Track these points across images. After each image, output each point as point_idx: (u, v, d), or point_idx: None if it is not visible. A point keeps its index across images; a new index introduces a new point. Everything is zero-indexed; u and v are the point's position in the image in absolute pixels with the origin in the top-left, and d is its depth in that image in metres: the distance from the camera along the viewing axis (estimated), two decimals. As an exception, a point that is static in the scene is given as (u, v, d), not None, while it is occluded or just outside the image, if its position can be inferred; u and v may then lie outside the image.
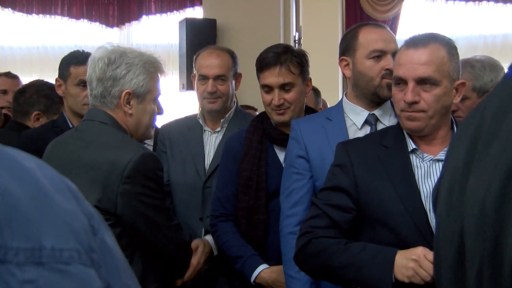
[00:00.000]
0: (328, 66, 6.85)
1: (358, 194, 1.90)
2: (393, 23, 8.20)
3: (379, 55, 2.23)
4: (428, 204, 1.84)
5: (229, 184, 2.63)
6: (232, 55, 2.86)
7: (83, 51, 2.99)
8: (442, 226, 1.04)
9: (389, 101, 2.31)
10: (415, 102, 1.87)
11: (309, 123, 2.39)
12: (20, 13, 7.99)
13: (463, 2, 8.04)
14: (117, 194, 1.91)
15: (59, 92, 2.96)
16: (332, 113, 2.38)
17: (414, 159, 1.92)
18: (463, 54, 3.87)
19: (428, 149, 1.93)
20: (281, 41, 4.38)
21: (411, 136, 1.94)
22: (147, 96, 2.12)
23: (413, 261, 1.69)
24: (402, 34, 8.25)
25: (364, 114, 2.29)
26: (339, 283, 1.95)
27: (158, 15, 7.97)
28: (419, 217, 1.83)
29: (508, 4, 7.74)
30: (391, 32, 2.39)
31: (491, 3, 7.95)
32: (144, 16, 8.02)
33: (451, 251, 0.97)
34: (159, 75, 2.19)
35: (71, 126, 2.82)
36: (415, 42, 1.94)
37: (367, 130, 2.28)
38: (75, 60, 2.87)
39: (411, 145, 1.92)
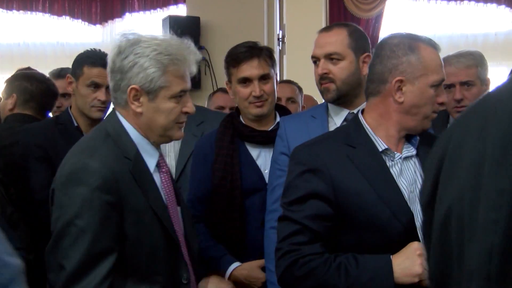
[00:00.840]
0: (311, 64, 6.90)
1: (337, 198, 1.83)
2: (376, 22, 8.25)
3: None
4: (411, 205, 1.85)
5: (200, 186, 2.66)
6: None
7: (99, 50, 2.92)
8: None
9: None
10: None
11: (294, 121, 2.45)
12: (0, 9, 7.90)
13: (445, 2, 8.12)
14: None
15: (69, 89, 2.97)
16: (317, 111, 2.42)
17: (386, 159, 1.90)
18: (445, 53, 3.94)
19: (394, 148, 1.93)
20: (265, 39, 4.44)
21: (382, 137, 1.92)
22: (160, 92, 1.86)
23: (419, 256, 1.69)
24: (386, 33, 8.35)
25: (344, 113, 2.32)
26: None
27: (141, 12, 7.86)
28: (406, 219, 1.82)
29: (489, 4, 7.86)
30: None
31: (472, 2, 8.05)
32: (127, 14, 7.93)
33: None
34: (181, 68, 1.92)
35: (75, 124, 2.85)
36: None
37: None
38: (89, 60, 2.83)
39: (382, 145, 1.90)
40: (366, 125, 1.91)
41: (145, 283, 1.82)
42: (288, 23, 7.40)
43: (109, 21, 8.00)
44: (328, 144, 1.94)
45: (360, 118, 1.94)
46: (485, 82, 2.92)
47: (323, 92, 2.35)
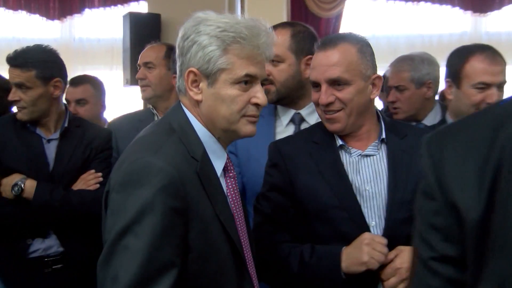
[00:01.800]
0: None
1: (294, 190, 1.91)
2: (336, 21, 8.33)
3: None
4: (360, 198, 1.89)
5: None
6: None
7: (23, 48, 2.68)
8: None
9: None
10: (330, 103, 1.91)
11: None
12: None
13: (403, 2, 8.26)
14: None
15: None
16: (265, 111, 2.36)
17: (343, 154, 1.95)
18: (402, 52, 4.06)
19: (356, 144, 1.97)
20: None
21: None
22: (220, 76, 1.57)
23: (367, 245, 1.74)
24: (347, 29, 8.46)
25: (290, 113, 2.32)
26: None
27: (101, 8, 7.83)
28: (353, 211, 1.86)
29: (444, 6, 8.03)
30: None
31: (429, 4, 8.21)
32: (86, 9, 7.87)
33: None
34: (246, 47, 1.60)
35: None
36: (325, 44, 1.95)
37: (291, 128, 2.31)
38: (7, 60, 2.66)
39: (338, 141, 1.95)
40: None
41: None
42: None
43: (68, 17, 7.90)
44: (296, 140, 2.00)
45: None
46: (425, 85, 3.05)
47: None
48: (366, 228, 1.84)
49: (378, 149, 1.97)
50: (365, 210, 1.88)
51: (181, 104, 1.67)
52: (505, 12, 7.92)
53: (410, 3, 8.23)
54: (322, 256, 1.79)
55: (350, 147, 1.95)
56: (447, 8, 8.14)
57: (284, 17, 8.39)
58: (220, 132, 1.66)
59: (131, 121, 3.05)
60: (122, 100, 6.18)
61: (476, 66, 2.16)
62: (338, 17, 8.37)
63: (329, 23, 8.36)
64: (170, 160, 1.50)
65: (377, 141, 1.98)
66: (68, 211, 2.60)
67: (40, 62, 2.61)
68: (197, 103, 1.63)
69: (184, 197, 1.47)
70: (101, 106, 3.74)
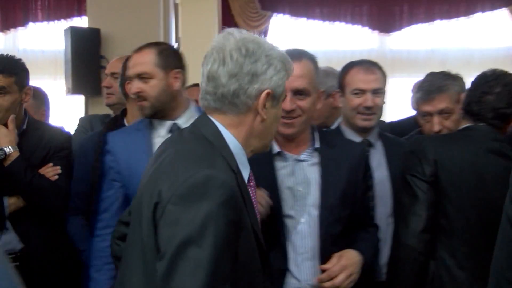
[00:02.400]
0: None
1: None
2: (262, 36, 8.37)
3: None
4: (293, 197, 1.92)
5: (80, 183, 2.58)
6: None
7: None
8: None
9: (192, 108, 2.29)
10: (292, 110, 1.89)
11: (120, 135, 2.37)
12: None
13: (321, 21, 8.45)
14: None
15: None
16: (141, 124, 2.32)
17: (278, 160, 1.95)
18: (320, 65, 4.03)
19: (292, 150, 1.97)
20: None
21: (277, 139, 1.95)
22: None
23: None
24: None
25: (167, 124, 2.24)
26: None
27: (45, 22, 7.60)
28: (277, 209, 1.88)
29: (355, 25, 8.22)
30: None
31: (343, 23, 8.44)
32: (30, 23, 7.61)
33: None
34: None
35: None
36: (292, 58, 1.85)
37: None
38: None
39: (275, 149, 1.95)
40: None
41: None
42: (183, 36, 7.38)
43: (12, 29, 7.61)
44: None
45: None
46: (331, 95, 2.97)
47: (140, 109, 2.26)
48: (282, 224, 1.89)
49: (311, 156, 1.98)
50: (297, 208, 1.91)
51: (211, 117, 1.52)
52: (404, 32, 8.30)
53: (327, 22, 8.42)
54: None
55: (286, 152, 1.95)
56: (358, 27, 8.38)
57: (216, 32, 8.40)
58: (259, 147, 1.60)
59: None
60: (64, 107, 6.07)
61: (353, 76, 2.30)
62: (265, 32, 8.54)
63: None
64: (226, 173, 1.41)
65: (310, 149, 1.99)
66: (35, 189, 2.44)
67: (20, 70, 2.52)
68: (261, 120, 1.51)
69: (237, 209, 1.38)
70: (41, 115, 3.49)
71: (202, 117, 1.53)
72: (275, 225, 1.88)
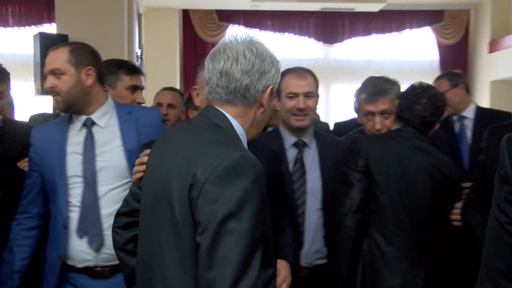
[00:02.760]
0: (166, 79, 6.92)
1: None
2: (219, 46, 8.46)
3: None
4: None
5: None
6: None
7: None
8: None
9: (110, 102, 2.22)
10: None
11: (43, 129, 2.34)
12: None
13: (272, 32, 8.53)
14: None
15: None
16: (61, 120, 2.27)
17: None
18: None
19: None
20: (125, 56, 4.33)
21: None
22: (278, 93, 1.68)
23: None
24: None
25: (82, 118, 2.18)
26: None
27: (16, 28, 7.39)
28: None
29: (303, 36, 8.35)
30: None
31: (291, 34, 8.52)
32: (1, 28, 7.40)
33: None
34: None
35: None
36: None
37: (84, 132, 2.18)
38: None
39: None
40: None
41: (270, 269, 1.56)
42: (146, 43, 7.33)
43: (-18, 34, 7.41)
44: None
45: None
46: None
47: (55, 104, 2.24)
48: None
49: None
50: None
51: (218, 108, 1.52)
52: (345, 44, 8.46)
53: (277, 33, 8.50)
54: None
55: None
56: (305, 38, 8.49)
57: (177, 41, 8.39)
58: (255, 134, 1.62)
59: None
60: (34, 107, 5.89)
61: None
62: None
63: (214, 46, 8.36)
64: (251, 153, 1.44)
65: None
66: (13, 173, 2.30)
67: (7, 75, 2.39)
68: (262, 112, 1.56)
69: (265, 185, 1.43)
70: (7, 114, 3.39)
71: (211, 108, 1.53)
72: None
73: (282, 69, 2.41)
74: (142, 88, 2.64)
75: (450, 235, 2.31)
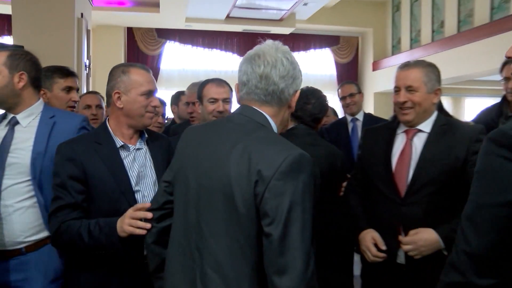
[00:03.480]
0: (105, 84, 6.75)
1: (86, 178, 1.68)
2: (158, 58, 8.43)
3: None
4: (137, 179, 1.74)
5: None
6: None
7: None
8: None
9: (38, 105, 2.03)
10: None
11: None
12: None
13: (202, 48, 8.56)
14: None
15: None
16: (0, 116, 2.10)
17: (122, 151, 1.76)
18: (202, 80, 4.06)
19: (130, 142, 1.78)
20: (74, 65, 4.23)
21: (123, 134, 1.78)
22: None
23: (126, 217, 1.56)
24: (165, 65, 8.52)
25: (9, 116, 2.03)
26: (88, 252, 1.69)
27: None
28: (128, 194, 1.70)
29: (228, 52, 8.44)
30: None
31: (218, 50, 8.57)
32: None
33: None
34: None
35: None
36: None
37: (6, 128, 1.99)
38: None
39: (119, 143, 1.76)
40: (109, 127, 1.78)
41: None
42: (96, 55, 7.16)
43: None
44: (82, 141, 1.75)
45: (106, 123, 1.80)
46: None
47: None
48: (135, 202, 1.70)
49: (142, 143, 1.82)
50: (136, 188, 1.73)
51: (259, 110, 1.40)
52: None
53: (207, 49, 8.55)
54: (103, 226, 1.61)
55: (129, 145, 1.76)
56: (229, 54, 8.59)
57: (122, 54, 8.23)
58: (282, 131, 1.52)
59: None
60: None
61: (208, 89, 2.25)
62: (160, 55, 8.48)
63: (154, 59, 8.43)
64: None
65: (141, 140, 1.82)
66: None
67: None
68: (288, 112, 1.48)
69: None
70: None
71: (249, 108, 1.41)
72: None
73: (208, 78, 2.37)
74: (76, 88, 2.51)
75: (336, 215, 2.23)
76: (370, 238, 1.82)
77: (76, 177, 1.65)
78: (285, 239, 1.22)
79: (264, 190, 1.25)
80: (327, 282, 2.10)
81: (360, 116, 3.61)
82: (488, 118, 2.51)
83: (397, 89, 1.85)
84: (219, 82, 2.31)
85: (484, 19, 6.21)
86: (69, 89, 2.49)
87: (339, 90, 3.73)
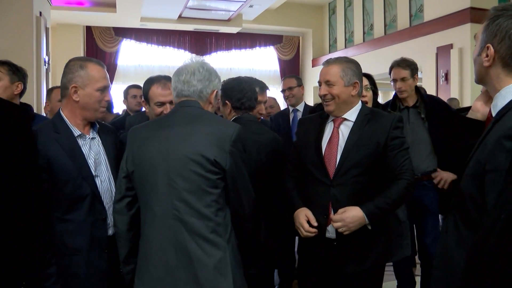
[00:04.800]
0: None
1: (50, 167, 1.61)
2: (115, 54, 8.22)
3: None
4: (96, 166, 1.70)
5: None
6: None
7: None
8: None
9: None
10: None
11: None
12: None
13: (156, 46, 8.41)
14: (227, 153, 1.51)
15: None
16: None
17: (79, 140, 1.70)
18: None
19: (84, 132, 1.72)
20: (34, 61, 4.04)
21: (77, 125, 1.72)
22: (218, 94, 1.70)
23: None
24: (122, 61, 8.29)
25: None
26: None
27: None
28: (89, 179, 1.66)
29: (180, 50, 8.36)
30: None
31: (172, 48, 8.48)
32: None
33: None
34: None
35: None
36: None
37: None
38: None
39: (76, 132, 1.70)
40: (65, 118, 1.72)
41: None
42: (56, 52, 6.84)
43: None
44: (42, 132, 1.67)
45: (61, 114, 1.73)
46: None
47: None
48: (96, 186, 1.67)
49: (94, 134, 1.77)
50: (95, 173, 1.70)
51: (193, 101, 1.63)
52: (212, 56, 8.65)
53: (161, 47, 8.40)
54: None
55: (85, 134, 1.72)
56: (181, 51, 8.51)
57: (81, 51, 7.93)
58: None
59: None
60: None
61: (154, 91, 2.00)
62: (117, 52, 8.25)
63: (111, 55, 8.21)
64: None
65: (93, 130, 1.78)
66: None
67: None
68: (211, 106, 1.68)
69: None
70: None
71: (187, 100, 1.62)
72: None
73: (162, 73, 2.12)
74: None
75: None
76: (304, 216, 1.82)
77: (41, 166, 1.59)
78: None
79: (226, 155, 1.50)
80: (272, 255, 2.15)
81: (300, 107, 3.61)
82: (386, 110, 2.58)
83: (319, 83, 1.90)
84: (164, 84, 2.03)
85: (405, 24, 6.52)
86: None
87: (281, 83, 3.74)
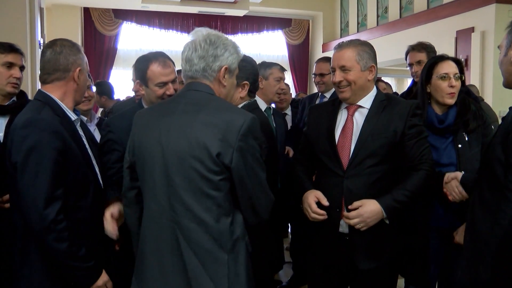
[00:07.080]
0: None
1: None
2: (115, 38, 8.18)
3: None
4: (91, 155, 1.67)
5: None
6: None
7: None
8: None
9: None
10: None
11: None
12: None
13: (158, 29, 8.33)
14: (233, 149, 1.33)
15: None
16: None
17: (77, 125, 1.68)
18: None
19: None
20: (27, 43, 3.99)
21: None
22: (235, 72, 1.51)
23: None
24: (123, 45, 8.22)
25: None
26: None
27: None
28: (91, 166, 1.64)
29: (184, 33, 8.32)
30: None
31: (175, 31, 8.39)
32: None
33: None
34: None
35: None
36: None
37: None
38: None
39: (72, 116, 1.66)
40: (58, 100, 1.62)
41: None
42: (48, 35, 6.79)
43: None
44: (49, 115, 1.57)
45: (51, 95, 1.62)
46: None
47: None
48: (96, 172, 1.66)
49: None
50: (94, 161, 1.68)
51: (199, 82, 1.47)
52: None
53: (163, 30, 8.33)
54: None
55: (77, 119, 1.68)
56: (185, 35, 8.37)
57: (79, 33, 7.88)
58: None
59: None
60: None
61: (153, 71, 1.89)
62: (117, 35, 8.20)
63: (111, 39, 8.18)
64: None
65: (76, 114, 1.70)
66: None
67: None
68: (223, 86, 1.50)
69: None
70: None
71: (195, 83, 1.47)
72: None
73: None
74: (19, 66, 2.21)
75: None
76: (313, 196, 1.76)
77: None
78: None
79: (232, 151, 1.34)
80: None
81: (328, 94, 3.37)
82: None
83: (333, 69, 1.82)
84: (164, 62, 1.92)
85: (423, 6, 6.38)
86: (9, 65, 2.21)
87: (314, 66, 3.49)
